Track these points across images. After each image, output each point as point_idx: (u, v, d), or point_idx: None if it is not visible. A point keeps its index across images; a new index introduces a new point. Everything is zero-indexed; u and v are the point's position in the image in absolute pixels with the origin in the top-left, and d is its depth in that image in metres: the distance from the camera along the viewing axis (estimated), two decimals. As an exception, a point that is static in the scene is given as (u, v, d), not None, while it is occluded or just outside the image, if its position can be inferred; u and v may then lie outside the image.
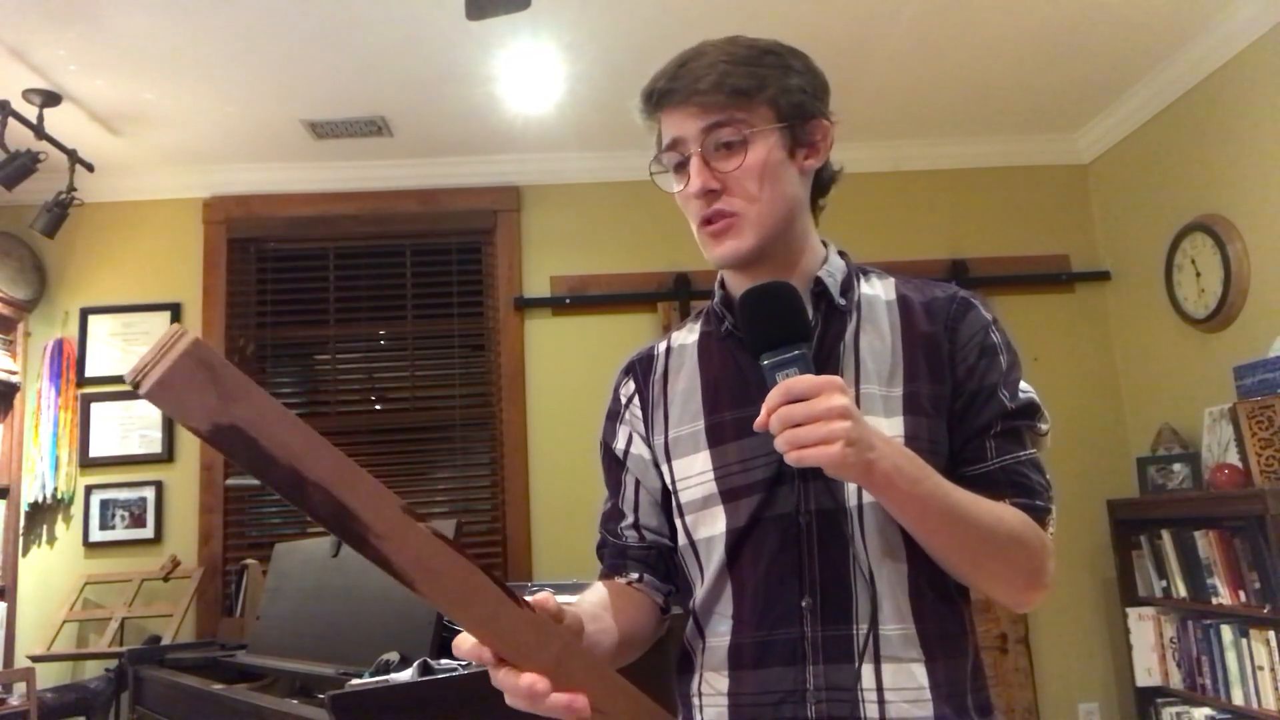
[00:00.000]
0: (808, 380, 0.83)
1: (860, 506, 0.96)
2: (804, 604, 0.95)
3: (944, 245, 3.91)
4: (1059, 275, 3.90)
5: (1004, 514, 0.94)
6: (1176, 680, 3.19)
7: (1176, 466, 3.31)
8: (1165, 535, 3.21)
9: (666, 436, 1.07)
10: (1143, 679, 3.29)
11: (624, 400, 1.14)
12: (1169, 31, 3.13)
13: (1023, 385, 1.02)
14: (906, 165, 3.95)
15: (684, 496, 1.04)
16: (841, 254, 1.10)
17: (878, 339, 1.01)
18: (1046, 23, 3.03)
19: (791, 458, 0.83)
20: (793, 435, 0.82)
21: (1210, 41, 3.14)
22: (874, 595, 0.94)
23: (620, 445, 1.13)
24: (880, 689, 0.92)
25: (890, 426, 0.96)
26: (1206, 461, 3.14)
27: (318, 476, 0.59)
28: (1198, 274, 3.30)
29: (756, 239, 1.00)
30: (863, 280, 1.07)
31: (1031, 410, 1.01)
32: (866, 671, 0.93)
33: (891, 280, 1.08)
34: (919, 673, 0.93)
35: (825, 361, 1.00)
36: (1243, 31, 3.02)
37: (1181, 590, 3.15)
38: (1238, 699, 2.88)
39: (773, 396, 0.84)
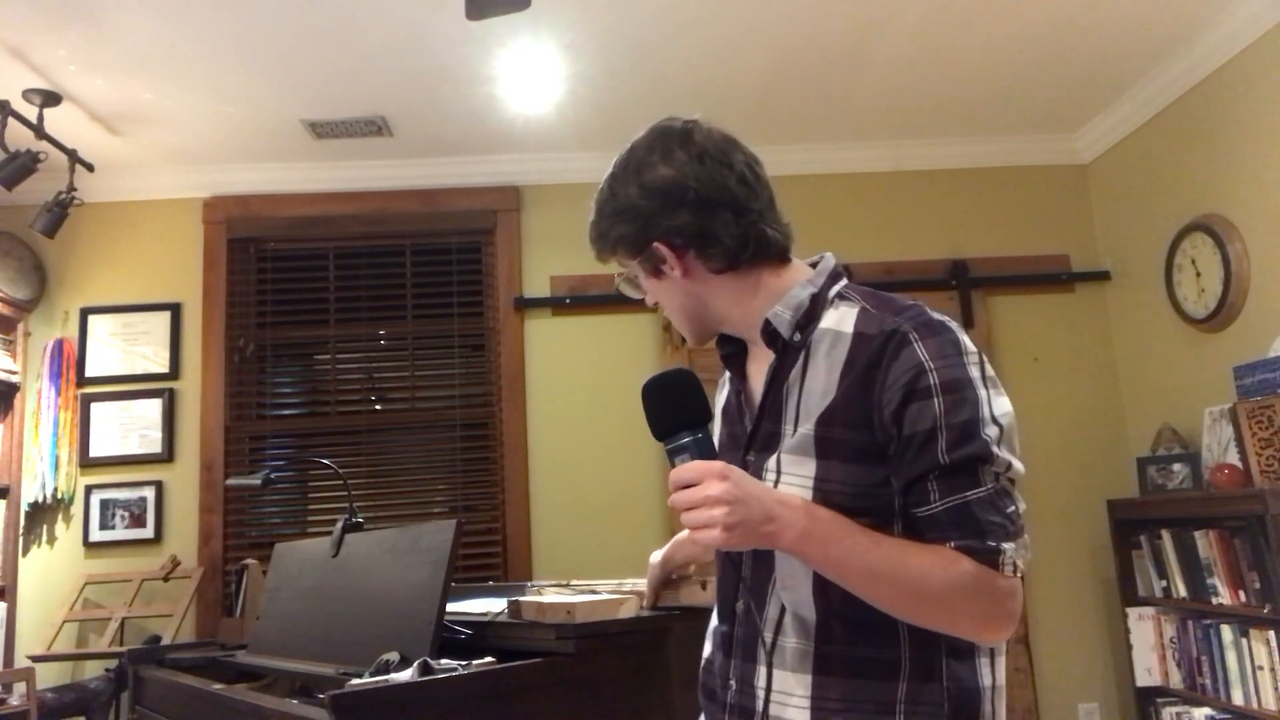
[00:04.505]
0: (688, 470, 0.92)
1: None
2: (738, 605, 1.09)
3: (944, 245, 3.91)
4: (1059, 275, 3.90)
5: (935, 565, 0.93)
6: (1176, 680, 3.19)
7: (1176, 466, 3.31)
8: (1165, 535, 3.21)
9: None
10: (1143, 679, 3.29)
11: (717, 401, 1.28)
12: (1169, 31, 3.13)
13: (979, 431, 0.94)
14: (906, 165, 3.95)
15: None
16: (842, 271, 1.12)
17: (820, 377, 1.03)
18: (1046, 23, 3.03)
19: (692, 537, 0.93)
20: (683, 518, 0.92)
21: (1210, 41, 3.14)
22: (781, 610, 1.04)
23: None
24: (769, 690, 1.03)
25: (810, 468, 1.00)
26: (1206, 461, 3.15)
27: None
28: (1198, 274, 3.30)
29: (693, 339, 1.19)
30: (831, 309, 1.07)
31: (973, 463, 0.94)
32: (762, 672, 1.04)
33: (857, 309, 1.05)
34: (804, 682, 1.01)
35: (772, 402, 1.07)
36: (1243, 31, 3.02)
37: (1181, 590, 3.15)
38: (1238, 699, 2.89)
39: (669, 482, 0.94)
